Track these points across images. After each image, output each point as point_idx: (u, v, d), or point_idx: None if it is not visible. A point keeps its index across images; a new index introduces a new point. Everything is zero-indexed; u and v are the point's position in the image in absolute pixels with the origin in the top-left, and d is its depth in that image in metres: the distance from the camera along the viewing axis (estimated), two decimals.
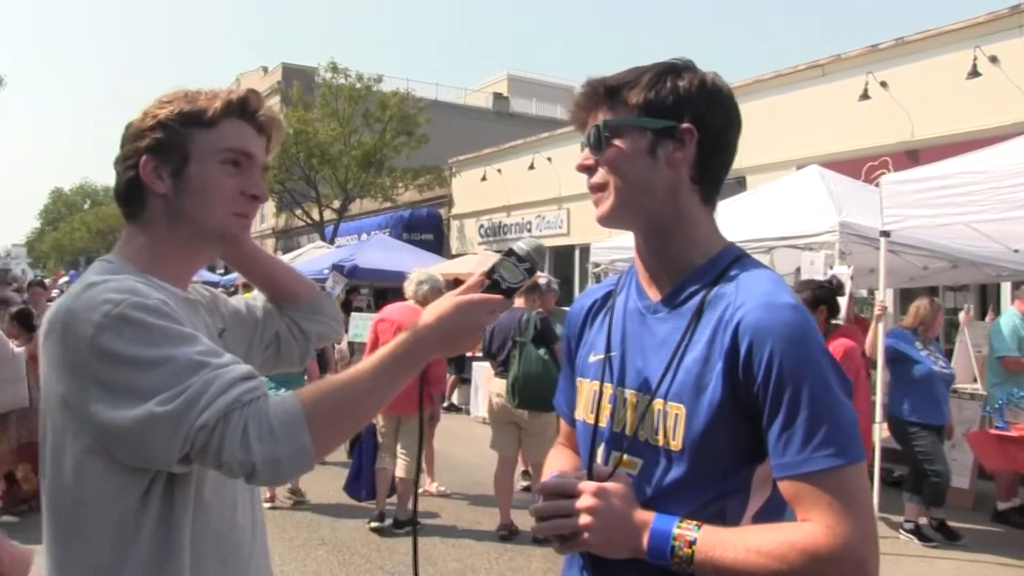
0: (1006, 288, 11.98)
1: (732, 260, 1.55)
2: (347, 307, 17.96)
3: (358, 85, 26.37)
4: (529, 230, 22.76)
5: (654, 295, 1.60)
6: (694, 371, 1.46)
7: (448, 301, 1.54)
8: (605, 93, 1.55)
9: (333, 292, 15.64)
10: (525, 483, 8.05)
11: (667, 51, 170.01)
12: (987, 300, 12.74)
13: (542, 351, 6.63)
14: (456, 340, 1.54)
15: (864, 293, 10.68)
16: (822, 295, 6.28)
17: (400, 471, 6.93)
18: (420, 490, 7.35)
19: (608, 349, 1.64)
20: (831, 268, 7.21)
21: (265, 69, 41.21)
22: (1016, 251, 8.28)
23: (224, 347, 1.55)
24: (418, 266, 8.56)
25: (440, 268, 15.86)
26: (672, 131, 1.51)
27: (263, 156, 1.69)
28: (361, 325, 15.89)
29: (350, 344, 16.54)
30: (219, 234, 1.64)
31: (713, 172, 1.57)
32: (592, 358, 1.69)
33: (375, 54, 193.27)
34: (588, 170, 1.59)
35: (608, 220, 1.58)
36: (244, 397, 1.36)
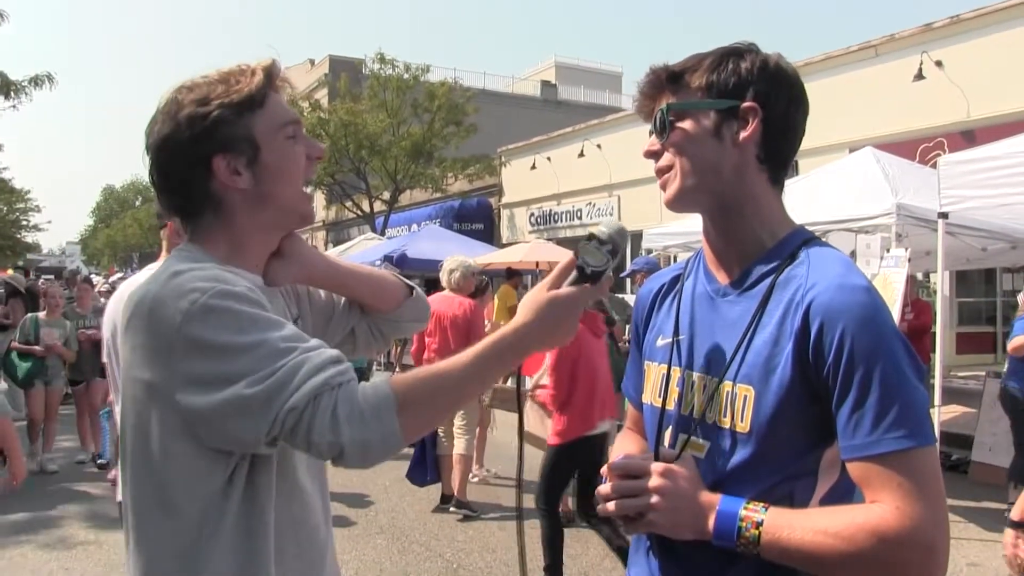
0: None
1: (802, 242, 1.54)
2: None
3: (406, 75, 26.41)
4: (579, 218, 22.78)
5: (723, 278, 1.59)
6: (764, 353, 1.45)
7: (542, 296, 1.53)
8: (668, 79, 1.56)
9: None
10: None
11: (715, 35, 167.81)
12: None
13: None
14: (554, 334, 1.54)
15: (920, 276, 10.57)
16: None
17: (459, 448, 6.97)
18: (471, 476, 7.46)
19: (676, 332, 1.63)
20: (887, 251, 7.18)
21: (312, 61, 41.44)
22: None
23: None
24: (470, 255, 8.55)
25: (491, 257, 15.96)
26: (735, 110, 1.51)
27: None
28: None
29: None
30: (298, 213, 1.64)
31: (780, 152, 1.56)
32: (660, 342, 1.69)
33: (422, 44, 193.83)
34: (655, 155, 1.60)
35: (676, 203, 1.58)
36: (333, 380, 1.35)
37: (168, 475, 1.44)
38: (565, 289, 1.54)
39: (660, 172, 1.60)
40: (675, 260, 10.34)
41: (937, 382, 6.92)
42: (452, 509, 7.02)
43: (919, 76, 13.16)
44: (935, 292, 6.76)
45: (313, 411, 1.33)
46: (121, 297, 3.09)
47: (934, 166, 6.83)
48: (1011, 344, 6.83)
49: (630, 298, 8.39)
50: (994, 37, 12.71)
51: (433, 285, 22.28)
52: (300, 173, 1.62)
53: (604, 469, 1.58)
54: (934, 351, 7.00)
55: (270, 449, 1.39)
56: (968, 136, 12.44)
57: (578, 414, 5.20)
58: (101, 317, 5.35)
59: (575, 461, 5.30)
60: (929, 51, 13.30)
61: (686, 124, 1.54)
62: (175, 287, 1.41)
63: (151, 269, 2.50)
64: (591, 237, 1.57)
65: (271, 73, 1.60)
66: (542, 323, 1.52)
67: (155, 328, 1.40)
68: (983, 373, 8.80)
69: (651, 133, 1.60)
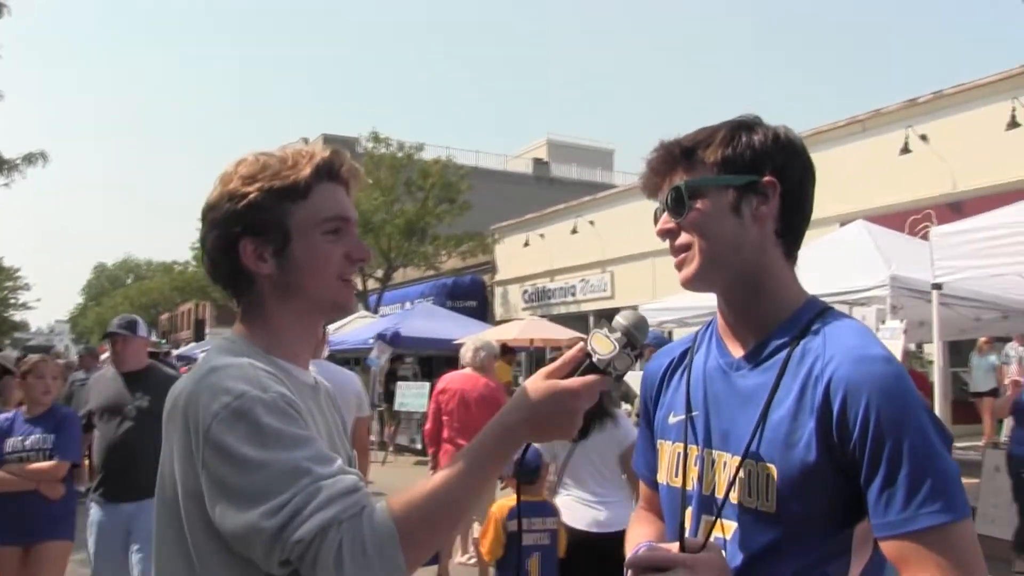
0: None
1: (816, 314, 1.51)
2: (392, 376, 17.96)
3: (399, 154, 26.65)
4: (573, 294, 22.83)
5: (737, 351, 1.56)
6: (783, 428, 1.41)
7: (542, 385, 1.43)
8: (681, 154, 1.53)
9: (378, 362, 15.72)
10: None
11: (706, 113, 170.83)
12: None
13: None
14: (549, 428, 1.44)
15: (912, 347, 10.57)
16: None
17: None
18: (454, 560, 7.28)
19: (689, 409, 1.59)
20: (883, 323, 7.19)
21: (306, 140, 41.51)
22: None
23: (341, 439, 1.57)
24: (463, 334, 8.58)
25: (485, 335, 15.93)
26: (755, 186, 1.49)
27: (355, 213, 1.65)
28: (408, 394, 15.93)
29: (395, 412, 16.60)
30: (332, 304, 1.62)
31: (795, 225, 1.55)
32: (672, 419, 1.65)
33: (415, 122, 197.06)
34: (670, 234, 1.56)
35: (695, 282, 1.54)
36: (343, 515, 1.33)
37: (202, 569, 1.43)
38: (570, 381, 1.44)
39: (677, 251, 1.56)
40: (670, 336, 10.34)
41: None
42: None
43: (905, 150, 13.36)
44: (930, 363, 6.75)
45: (319, 545, 1.31)
46: None
47: (924, 237, 6.91)
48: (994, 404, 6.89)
49: (636, 375, 8.34)
50: (976, 112, 12.95)
51: (427, 364, 22.11)
52: (331, 269, 1.58)
53: (628, 561, 1.49)
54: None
55: (283, 570, 1.35)
56: (955, 208, 12.58)
57: None
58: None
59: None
60: (914, 125, 13.52)
61: (704, 202, 1.51)
62: (210, 385, 1.41)
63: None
64: (605, 325, 1.50)
65: (327, 165, 1.59)
66: (536, 415, 1.43)
67: (188, 425, 1.40)
68: (981, 443, 8.75)
69: (661, 211, 1.57)
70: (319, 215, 1.57)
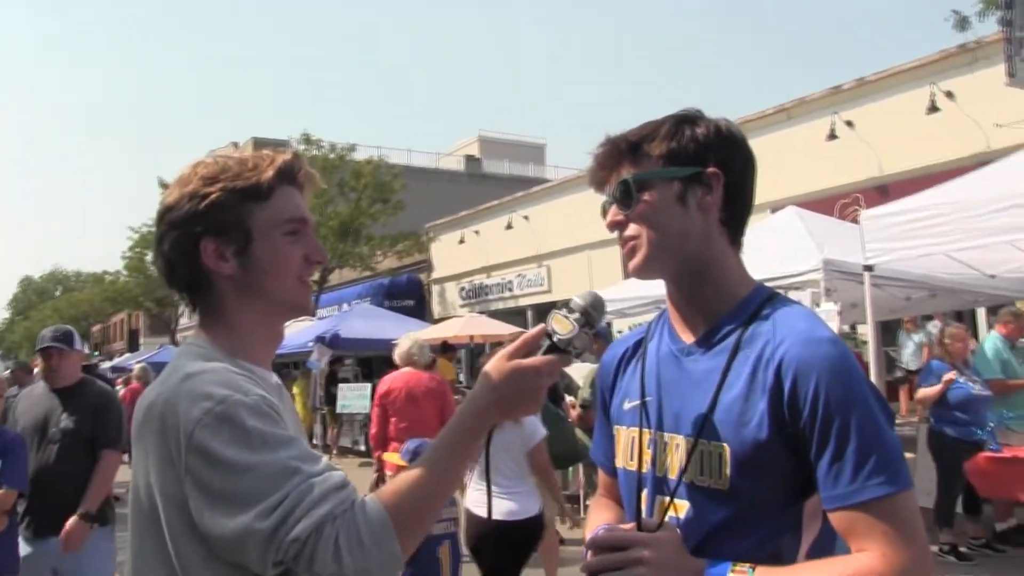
0: (981, 314, 12.23)
1: (764, 299, 1.58)
2: (332, 378, 17.81)
3: (331, 155, 26.41)
4: (510, 289, 22.88)
5: (688, 338, 1.61)
6: (735, 409, 1.46)
7: (504, 366, 1.47)
8: (628, 149, 1.58)
9: (318, 365, 15.57)
10: None
11: (636, 107, 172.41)
12: (965, 326, 12.93)
13: (556, 409, 6.65)
14: (516, 406, 1.49)
15: (847, 328, 10.79)
16: None
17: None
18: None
19: (643, 394, 1.64)
20: (817, 306, 7.31)
21: (235, 144, 41.08)
22: (992, 276, 8.43)
23: None
24: (402, 333, 8.56)
25: (426, 333, 15.87)
26: (699, 177, 1.55)
27: (311, 216, 1.69)
28: (350, 396, 15.79)
29: (337, 415, 16.45)
30: (291, 304, 1.63)
31: (738, 213, 1.61)
32: (627, 405, 1.69)
33: (346, 123, 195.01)
34: (618, 225, 1.61)
35: (643, 271, 1.59)
36: (337, 510, 1.35)
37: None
38: (530, 360, 1.47)
39: (626, 242, 1.60)
40: (610, 327, 10.42)
41: None
42: None
43: (832, 136, 13.66)
44: (864, 343, 6.90)
45: (316, 542, 1.32)
46: None
47: (853, 220, 7.03)
48: (918, 395, 7.11)
49: (579, 367, 8.40)
50: (897, 97, 13.31)
51: (366, 365, 21.93)
52: (291, 269, 1.61)
53: (587, 542, 1.54)
54: None
55: (276, 571, 1.35)
56: (882, 191, 12.89)
57: None
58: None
59: None
60: (839, 112, 13.83)
61: (651, 194, 1.56)
62: (188, 391, 1.41)
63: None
64: (563, 306, 1.53)
65: (288, 168, 1.63)
66: (502, 395, 1.47)
67: (167, 433, 1.40)
68: (915, 419, 8.97)
69: (609, 203, 1.62)
70: (280, 216, 1.59)
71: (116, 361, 33.21)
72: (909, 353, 13.66)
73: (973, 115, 11.99)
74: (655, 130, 1.58)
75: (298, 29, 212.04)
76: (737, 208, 1.60)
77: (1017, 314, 8.15)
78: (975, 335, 11.29)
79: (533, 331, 1.52)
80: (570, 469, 9.25)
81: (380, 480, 6.73)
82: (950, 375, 7.19)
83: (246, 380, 1.46)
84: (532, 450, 5.12)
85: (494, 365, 1.49)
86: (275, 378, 1.70)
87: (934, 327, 12.95)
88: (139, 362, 17.92)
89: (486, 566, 5.07)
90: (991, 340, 8.00)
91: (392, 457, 6.14)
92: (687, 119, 1.59)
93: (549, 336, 1.49)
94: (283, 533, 1.31)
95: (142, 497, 1.47)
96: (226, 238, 1.56)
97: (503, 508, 4.97)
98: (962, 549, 7.10)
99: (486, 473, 1.76)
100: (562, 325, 1.48)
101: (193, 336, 1.64)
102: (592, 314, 1.51)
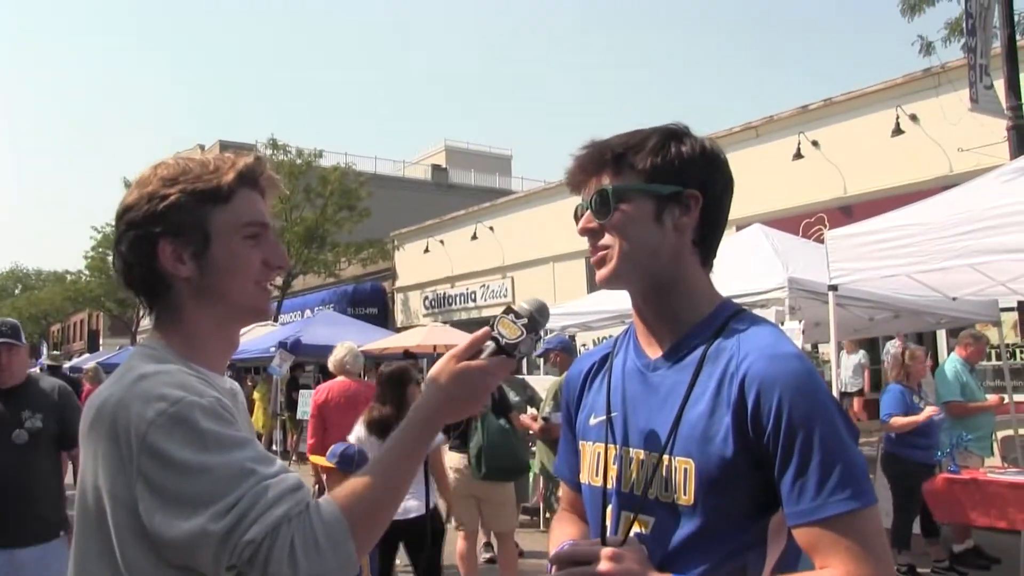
0: (942, 336, 12.35)
1: (730, 315, 1.57)
2: (294, 384, 17.72)
3: (298, 161, 26.28)
4: (474, 300, 22.83)
5: (653, 353, 1.60)
6: (700, 424, 1.45)
7: (451, 367, 1.52)
8: (612, 158, 1.56)
9: (280, 370, 15.43)
10: (488, 555, 7.95)
11: (604, 119, 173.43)
12: (925, 348, 13.08)
13: (502, 421, 6.60)
14: (463, 406, 1.55)
15: (809, 347, 10.86)
16: None
17: None
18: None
19: (609, 410, 1.63)
20: (782, 324, 7.32)
21: (202, 147, 40.80)
22: (954, 299, 8.50)
23: None
24: (365, 341, 8.59)
25: (389, 341, 15.79)
26: (679, 196, 1.54)
27: (272, 221, 1.68)
28: (308, 402, 15.66)
29: (298, 421, 16.30)
30: (250, 309, 1.62)
31: (712, 235, 1.61)
32: (593, 420, 1.68)
33: (313, 129, 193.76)
34: (591, 232, 1.59)
35: (611, 282, 1.59)
36: (292, 511, 1.34)
37: None
38: (476, 362, 1.52)
39: (597, 250, 1.59)
40: (573, 340, 10.39)
41: None
42: None
43: (798, 155, 13.79)
44: (826, 362, 6.92)
45: (271, 544, 1.30)
46: None
47: (817, 240, 7.05)
48: (894, 422, 7.14)
49: (542, 379, 8.40)
50: (864, 119, 13.45)
51: (327, 371, 21.91)
52: (249, 273, 1.59)
53: (552, 557, 1.54)
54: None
55: (229, 574, 1.33)
56: (847, 211, 13.02)
57: None
58: None
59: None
60: (806, 131, 13.97)
61: (628, 207, 1.55)
62: (141, 392, 1.39)
63: None
64: (509, 310, 1.57)
65: (250, 171, 1.61)
66: (451, 396, 1.52)
67: (118, 434, 1.37)
68: (875, 439, 9.01)
69: (584, 208, 1.60)
70: (240, 219, 1.58)
71: (75, 361, 32.52)
72: (848, 374, 13.77)
73: (937, 139, 12.15)
74: (642, 142, 1.57)
75: (268, 34, 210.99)
76: (711, 230, 1.60)
77: (977, 336, 8.24)
78: (935, 357, 11.42)
79: (479, 333, 1.57)
80: (530, 481, 9.22)
81: (320, 488, 6.62)
82: (932, 409, 7.28)
83: (201, 382, 1.46)
84: (429, 454, 5.23)
85: (442, 366, 1.53)
86: (229, 382, 1.68)
87: (893, 346, 13.09)
88: (97, 363, 17.55)
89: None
90: (951, 362, 8.07)
91: (319, 459, 6.13)
92: (675, 135, 1.58)
93: (495, 340, 1.53)
94: (238, 535, 1.29)
95: (89, 499, 1.44)
96: (184, 240, 1.54)
97: (401, 507, 5.06)
98: (920, 570, 7.12)
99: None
100: (510, 330, 1.53)
101: (148, 338, 1.62)
102: (538, 319, 1.56)
